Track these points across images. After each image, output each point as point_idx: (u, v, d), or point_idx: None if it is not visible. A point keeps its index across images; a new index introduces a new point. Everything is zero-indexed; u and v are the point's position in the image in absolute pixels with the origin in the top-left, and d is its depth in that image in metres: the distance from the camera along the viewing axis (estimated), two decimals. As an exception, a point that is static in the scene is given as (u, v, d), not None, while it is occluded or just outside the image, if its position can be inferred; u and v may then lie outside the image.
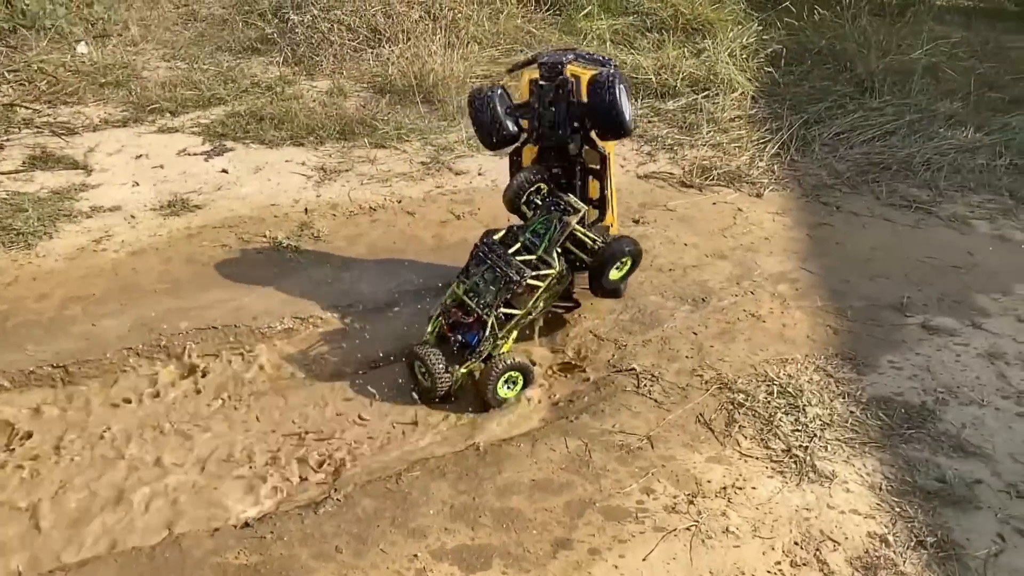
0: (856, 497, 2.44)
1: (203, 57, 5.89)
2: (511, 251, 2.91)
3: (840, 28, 6.26)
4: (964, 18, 7.34)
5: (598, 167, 3.13)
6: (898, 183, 4.50)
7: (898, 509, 2.40)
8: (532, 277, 2.85)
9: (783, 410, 2.78)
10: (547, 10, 6.72)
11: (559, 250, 2.94)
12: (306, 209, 4.00)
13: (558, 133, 3.02)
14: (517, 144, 3.15)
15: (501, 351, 2.89)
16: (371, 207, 4.05)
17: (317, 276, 3.47)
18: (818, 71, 5.75)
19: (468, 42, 5.99)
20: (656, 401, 2.83)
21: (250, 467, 2.59)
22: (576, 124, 3.01)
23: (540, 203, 3.03)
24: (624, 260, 3.09)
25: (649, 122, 5.12)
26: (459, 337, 2.90)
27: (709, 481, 2.48)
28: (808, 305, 3.38)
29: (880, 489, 2.48)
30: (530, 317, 2.98)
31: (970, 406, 2.84)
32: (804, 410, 2.78)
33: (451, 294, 2.94)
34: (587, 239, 3.02)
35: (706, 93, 5.31)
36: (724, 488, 2.46)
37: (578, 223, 2.98)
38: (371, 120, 4.94)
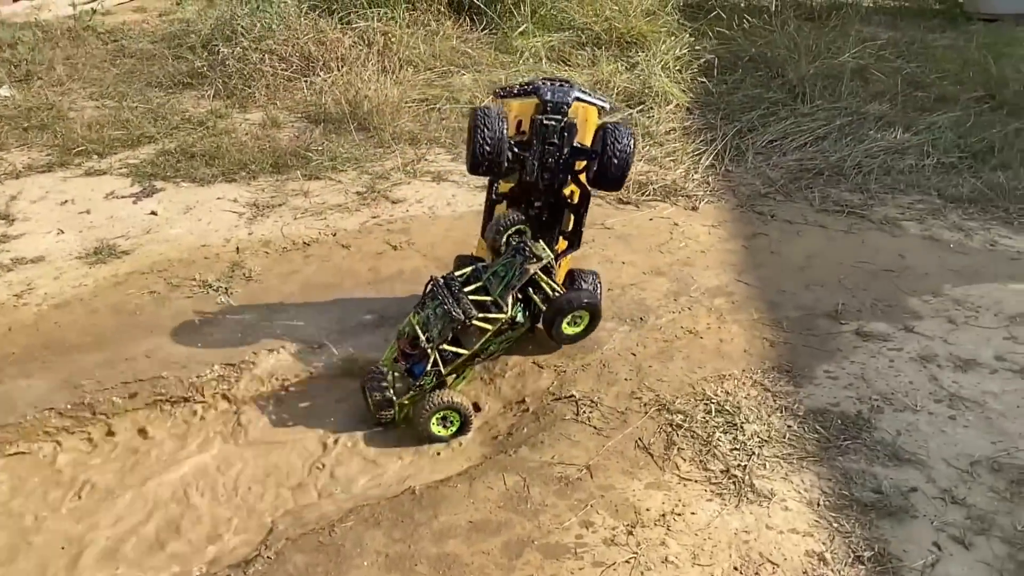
0: (794, 515, 2.44)
1: (132, 94, 5.75)
2: (469, 289, 2.88)
3: (770, 34, 6.35)
4: (891, 19, 7.51)
5: (576, 202, 3.09)
6: (831, 188, 4.56)
7: (836, 525, 2.40)
8: (480, 319, 2.81)
9: (721, 429, 2.77)
10: (483, 29, 6.71)
11: (519, 296, 2.90)
12: (237, 248, 3.91)
13: (557, 176, 2.94)
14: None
15: (446, 388, 2.85)
16: (305, 242, 3.98)
17: (249, 319, 3.38)
18: (750, 79, 5.82)
19: (402, 66, 5.95)
20: (595, 428, 2.81)
21: (177, 528, 2.50)
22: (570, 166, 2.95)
23: (512, 244, 2.97)
24: (579, 315, 2.99)
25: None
26: (406, 367, 2.88)
27: (648, 509, 2.46)
28: (744, 318, 3.40)
29: (818, 505, 2.48)
30: (479, 359, 2.95)
31: (904, 412, 2.87)
32: (742, 428, 2.77)
33: (407, 323, 2.92)
34: (548, 288, 2.97)
35: (641, 107, 5.34)
36: (663, 515, 2.44)
37: (543, 269, 2.92)
38: (305, 151, 4.86)
